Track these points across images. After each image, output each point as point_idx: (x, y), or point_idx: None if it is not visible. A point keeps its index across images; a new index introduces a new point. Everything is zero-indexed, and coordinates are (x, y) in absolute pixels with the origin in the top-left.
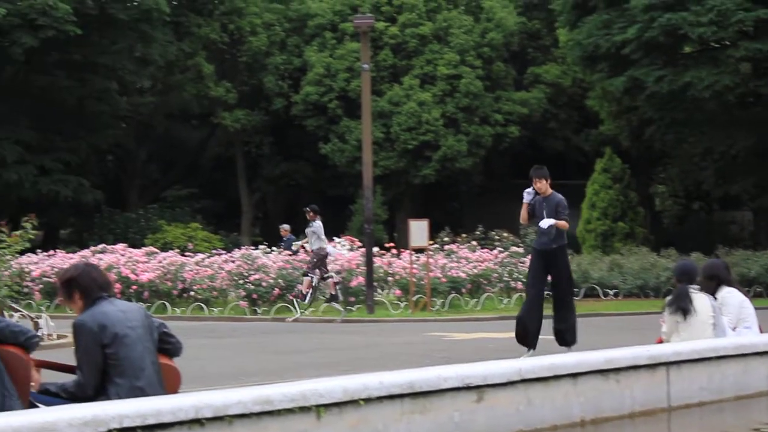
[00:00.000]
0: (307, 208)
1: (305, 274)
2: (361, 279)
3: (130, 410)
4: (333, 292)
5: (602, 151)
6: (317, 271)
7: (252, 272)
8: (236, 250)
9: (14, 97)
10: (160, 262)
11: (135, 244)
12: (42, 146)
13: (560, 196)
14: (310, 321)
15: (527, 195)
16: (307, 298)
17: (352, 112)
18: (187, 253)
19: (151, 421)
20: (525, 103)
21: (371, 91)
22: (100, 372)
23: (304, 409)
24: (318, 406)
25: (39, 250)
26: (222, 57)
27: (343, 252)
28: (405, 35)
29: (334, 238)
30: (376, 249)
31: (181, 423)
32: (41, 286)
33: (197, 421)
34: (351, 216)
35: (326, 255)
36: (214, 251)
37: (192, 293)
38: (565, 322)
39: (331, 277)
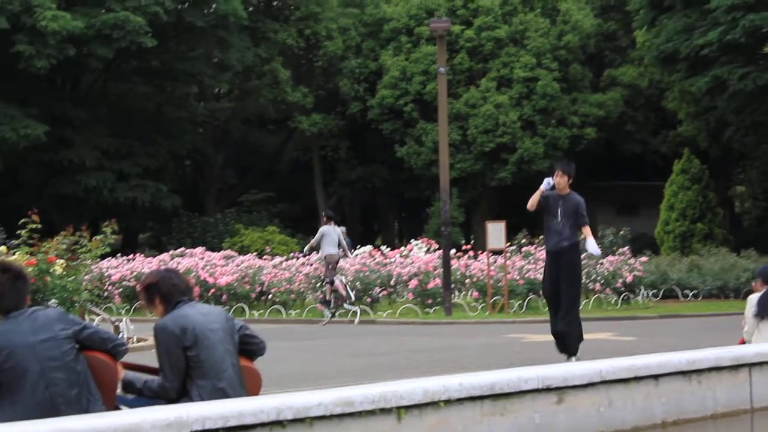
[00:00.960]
0: (323, 214)
1: (330, 282)
2: (438, 281)
3: (212, 412)
4: (327, 298)
5: (680, 152)
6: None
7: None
8: (313, 253)
9: (93, 104)
10: (238, 265)
11: (213, 248)
12: (120, 152)
13: (579, 197)
14: (388, 323)
15: (546, 184)
16: (352, 297)
17: (427, 115)
18: (264, 257)
19: (233, 422)
20: (602, 105)
21: (447, 93)
22: (182, 374)
23: (384, 411)
24: (399, 408)
25: (119, 255)
26: (298, 62)
27: (420, 254)
28: (481, 38)
29: (412, 240)
30: (453, 251)
31: (262, 425)
32: (121, 289)
33: (278, 423)
34: (427, 218)
35: (337, 260)
36: (291, 254)
37: (270, 296)
38: (569, 325)
39: (332, 282)
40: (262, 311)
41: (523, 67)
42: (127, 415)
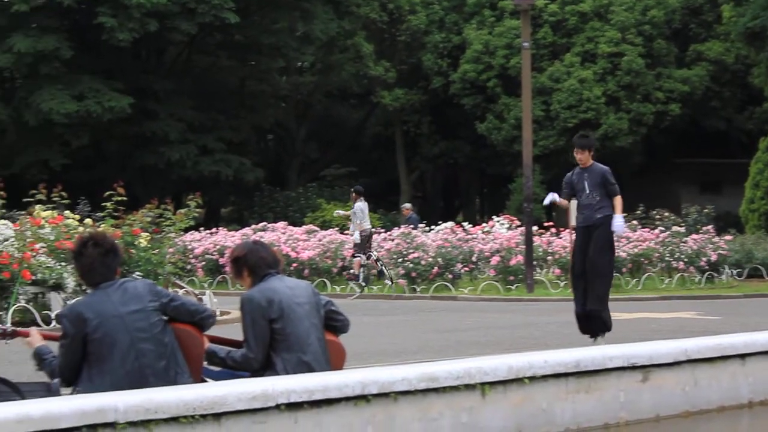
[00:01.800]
0: (352, 189)
1: (354, 256)
2: (520, 258)
3: (298, 386)
4: (356, 272)
5: (766, 129)
6: (367, 250)
7: (411, 251)
8: (395, 228)
9: (177, 77)
10: (320, 240)
11: (295, 223)
12: (205, 125)
13: (603, 165)
14: (469, 299)
15: (549, 199)
16: (360, 278)
17: (510, 89)
18: (346, 232)
19: (318, 396)
20: (686, 80)
21: (531, 68)
22: (266, 346)
23: (469, 387)
24: (483, 384)
25: (201, 228)
26: (381, 36)
27: (501, 231)
28: (565, 12)
29: (493, 217)
30: (535, 228)
31: (347, 399)
32: (204, 263)
33: (363, 398)
34: (509, 195)
35: (369, 235)
36: (372, 230)
37: (351, 271)
38: (601, 302)
39: (371, 256)
40: (343, 286)
41: (608, 42)
42: (213, 388)
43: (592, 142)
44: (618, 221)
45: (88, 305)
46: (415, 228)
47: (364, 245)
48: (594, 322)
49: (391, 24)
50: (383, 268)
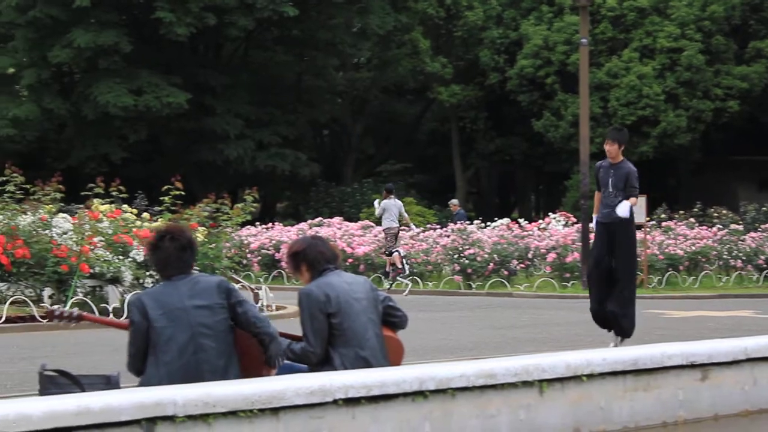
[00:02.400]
0: (384, 188)
1: (389, 254)
2: (577, 255)
3: (356, 381)
4: (388, 269)
5: None
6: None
7: (467, 247)
8: (450, 224)
9: (234, 72)
10: (375, 235)
11: (350, 218)
12: (261, 120)
13: (631, 165)
14: (525, 296)
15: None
16: (406, 270)
17: (568, 86)
18: (401, 228)
19: (376, 392)
20: (745, 77)
21: (589, 63)
22: (325, 341)
23: (526, 384)
24: (541, 381)
25: (258, 223)
26: (437, 32)
27: (558, 228)
28: (623, 8)
29: (550, 213)
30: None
31: (405, 394)
32: (259, 257)
33: (421, 393)
34: (565, 192)
35: (396, 232)
36: (428, 225)
37: (395, 266)
38: (623, 306)
39: (390, 254)
40: (398, 282)
41: (667, 37)
42: (271, 382)
43: (625, 137)
44: (623, 205)
45: (152, 296)
46: (462, 223)
47: (394, 240)
48: (622, 322)
49: (448, 20)
50: (404, 267)
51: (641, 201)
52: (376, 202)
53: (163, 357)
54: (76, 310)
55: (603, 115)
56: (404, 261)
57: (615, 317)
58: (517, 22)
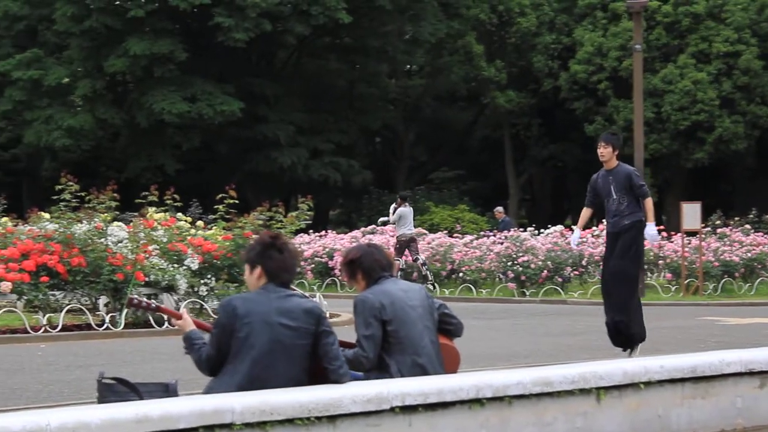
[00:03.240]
0: (397, 196)
1: (415, 260)
2: None
3: (413, 389)
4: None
5: None
6: (403, 255)
7: (520, 254)
8: (505, 231)
9: (287, 80)
10: (429, 243)
11: None
12: (314, 128)
13: (629, 166)
14: (579, 303)
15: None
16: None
17: (621, 92)
18: (455, 235)
19: (433, 399)
20: None
21: (643, 69)
22: (378, 347)
23: (584, 392)
24: (598, 389)
25: (310, 231)
26: (490, 38)
27: None
28: (678, 13)
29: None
30: None
31: (461, 402)
32: (313, 265)
33: (477, 401)
34: None
35: (410, 240)
36: (482, 233)
37: (461, 274)
38: (624, 312)
39: (418, 259)
40: (452, 289)
41: (724, 42)
42: (328, 390)
43: (619, 142)
44: (651, 230)
45: (245, 301)
46: (507, 231)
47: (402, 250)
48: (622, 335)
49: (501, 26)
50: (427, 272)
51: (697, 207)
52: (391, 209)
53: (238, 366)
54: (154, 302)
55: (656, 121)
56: (400, 274)
57: (623, 324)
58: (570, 28)
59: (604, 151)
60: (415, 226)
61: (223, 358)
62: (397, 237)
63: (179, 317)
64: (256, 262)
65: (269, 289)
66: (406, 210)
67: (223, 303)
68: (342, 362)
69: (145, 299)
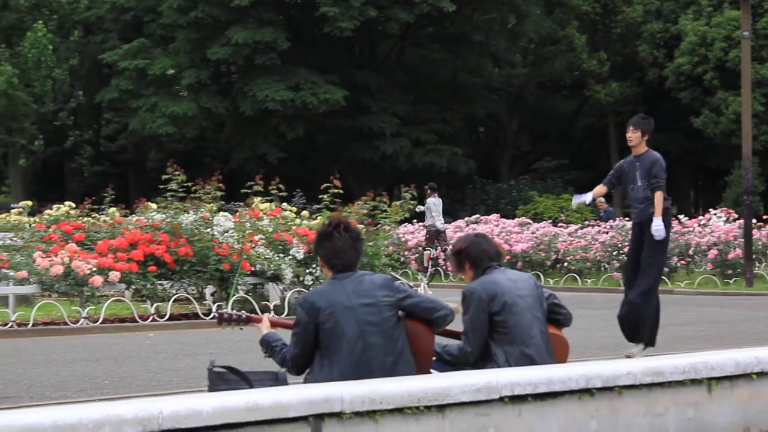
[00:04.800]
0: (426, 186)
1: (424, 249)
2: (739, 251)
3: (522, 378)
4: (425, 265)
5: None
6: (434, 245)
7: (626, 244)
8: (610, 221)
9: (390, 70)
10: (533, 232)
11: (506, 215)
12: (417, 118)
13: (656, 154)
14: (686, 293)
15: (577, 201)
16: (428, 270)
17: (728, 83)
18: (559, 224)
19: (542, 389)
20: None
21: (751, 59)
22: (484, 339)
23: (695, 382)
24: (709, 379)
25: (414, 221)
26: (594, 27)
27: (719, 224)
28: None
29: (710, 209)
30: (753, 221)
31: (571, 392)
32: (417, 255)
33: (587, 391)
34: (725, 188)
35: (438, 231)
36: (586, 222)
37: (565, 264)
38: (640, 295)
39: (429, 251)
40: (557, 279)
41: None
42: (437, 379)
43: (649, 125)
44: (656, 225)
45: (321, 294)
46: (613, 220)
47: (432, 240)
48: (630, 322)
49: (605, 15)
50: (428, 268)
51: None
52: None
53: (333, 357)
54: (243, 313)
55: (765, 112)
56: (431, 264)
57: (633, 308)
58: (676, 15)
59: (633, 136)
60: (518, 215)
61: (307, 356)
62: (426, 227)
63: (260, 321)
64: (317, 254)
65: (337, 277)
66: (436, 201)
67: (299, 301)
68: (437, 303)
69: (234, 311)
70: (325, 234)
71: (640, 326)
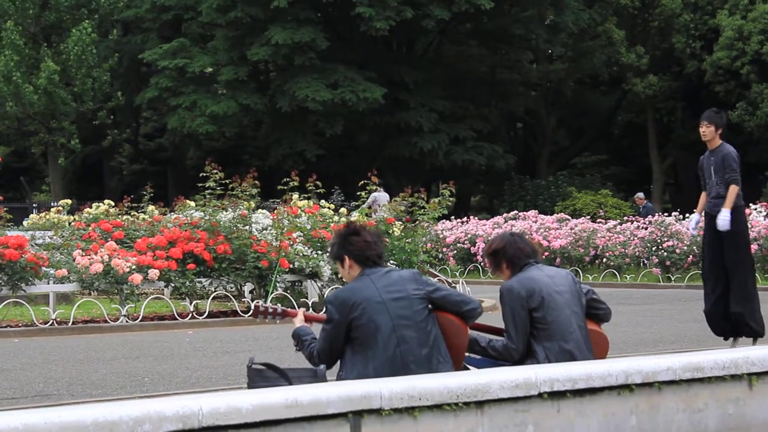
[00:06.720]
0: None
1: None
2: None
3: (561, 374)
4: None
5: None
6: None
7: (665, 239)
8: (649, 216)
9: (428, 67)
10: (571, 228)
11: (545, 211)
12: (455, 115)
13: (730, 147)
14: None
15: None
16: None
17: (765, 76)
18: (598, 220)
19: (581, 385)
20: None
21: None
22: (527, 336)
23: (735, 377)
24: (750, 375)
25: (452, 217)
26: (633, 21)
27: (759, 219)
28: None
29: (750, 204)
30: None
31: (610, 388)
32: (455, 251)
33: (627, 387)
34: (765, 182)
35: None
36: (625, 218)
37: (604, 260)
38: (741, 304)
39: None
40: (596, 275)
41: None
42: (476, 375)
43: (722, 120)
44: (722, 216)
45: (352, 291)
46: (652, 216)
47: None
48: (740, 327)
49: (643, 9)
50: None
51: None
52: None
53: (367, 352)
54: (280, 307)
55: None
56: None
57: (741, 318)
58: (714, 7)
59: (706, 131)
60: (557, 211)
61: (335, 351)
62: None
63: (295, 315)
64: (341, 254)
65: (366, 273)
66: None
67: (329, 299)
68: (465, 296)
69: (270, 305)
70: (351, 231)
71: (746, 330)
